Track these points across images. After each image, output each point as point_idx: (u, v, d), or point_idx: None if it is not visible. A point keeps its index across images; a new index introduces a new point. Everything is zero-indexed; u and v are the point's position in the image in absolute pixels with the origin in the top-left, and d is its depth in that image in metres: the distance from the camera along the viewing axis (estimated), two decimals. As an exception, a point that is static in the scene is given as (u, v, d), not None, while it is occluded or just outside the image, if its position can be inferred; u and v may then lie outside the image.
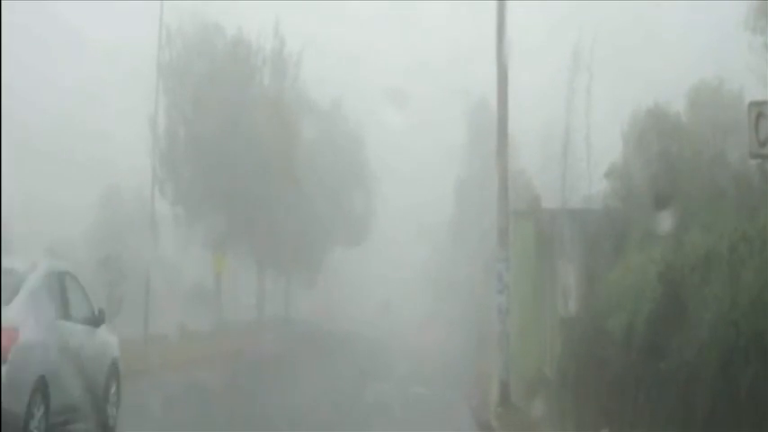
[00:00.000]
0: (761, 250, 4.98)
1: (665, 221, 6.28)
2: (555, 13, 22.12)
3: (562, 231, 8.90)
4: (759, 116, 5.80)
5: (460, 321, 25.29)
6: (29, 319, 6.05)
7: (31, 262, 6.54)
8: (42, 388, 5.92)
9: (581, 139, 9.24)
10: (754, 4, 9.70)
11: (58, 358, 6.26)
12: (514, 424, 8.50)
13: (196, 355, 15.97)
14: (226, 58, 23.63)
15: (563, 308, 8.56)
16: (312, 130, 25.68)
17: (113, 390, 7.30)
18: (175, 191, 23.21)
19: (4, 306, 5.90)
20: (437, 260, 36.33)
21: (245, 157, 22.53)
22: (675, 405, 5.30)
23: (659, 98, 9.05)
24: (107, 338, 7.46)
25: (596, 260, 7.46)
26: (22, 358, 5.78)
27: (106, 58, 27.17)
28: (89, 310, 7.20)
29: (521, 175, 13.72)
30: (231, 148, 22.45)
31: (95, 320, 7.15)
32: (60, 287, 6.58)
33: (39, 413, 5.88)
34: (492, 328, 10.48)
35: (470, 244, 25.05)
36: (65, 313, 6.61)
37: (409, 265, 39.04)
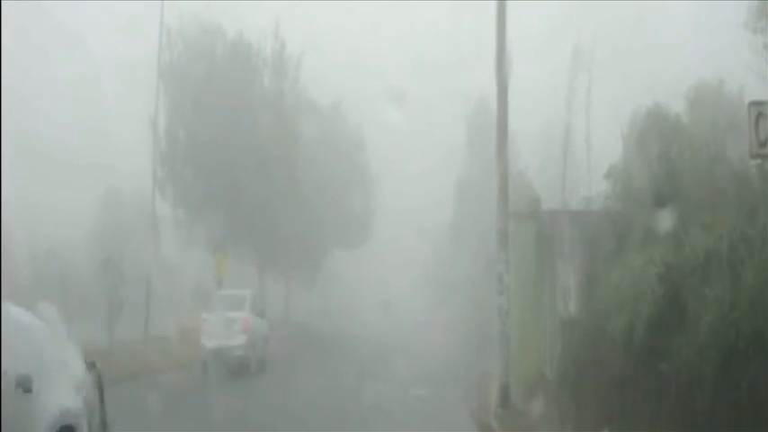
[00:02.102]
0: (761, 251, 4.96)
1: (665, 222, 6.26)
2: (555, 13, 22.03)
3: (562, 232, 8.88)
4: (759, 116, 5.78)
5: (460, 322, 25.24)
6: (249, 314, 15.47)
7: (245, 289, 16.09)
8: (256, 345, 15.24)
9: (581, 139, 9.21)
10: (754, 4, 9.67)
11: (256, 331, 15.42)
12: (515, 425, 8.48)
13: (195, 355, 15.93)
14: (226, 59, 23.57)
15: (563, 309, 8.53)
16: (312, 132, 25.61)
17: (266, 346, 15.97)
18: (176, 192, 23.15)
19: (238, 311, 15.10)
20: (437, 261, 36.25)
21: (246, 158, 22.47)
22: (675, 406, 5.28)
23: (659, 98, 9.03)
24: (265, 323, 16.51)
25: (596, 261, 7.43)
26: (249, 331, 15.07)
27: (106, 59, 27.11)
28: (261, 308, 16.57)
29: (520, 176, 13.67)
30: (231, 150, 22.39)
31: (262, 314, 16.23)
32: (253, 299, 16.05)
33: (255, 357, 15.06)
34: (492, 329, 10.46)
35: (470, 245, 24.98)
36: (255, 311, 15.94)
37: (409, 267, 38.93)
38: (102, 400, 4.35)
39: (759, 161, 6.03)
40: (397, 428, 8.65)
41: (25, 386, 3.65)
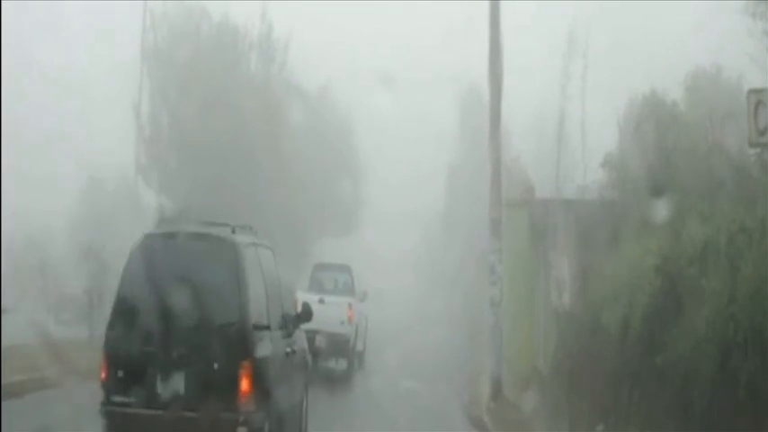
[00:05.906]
0: (760, 242, 4.86)
1: (662, 212, 6.16)
2: (550, -4, 21.44)
3: (556, 222, 8.75)
4: (758, 104, 5.64)
5: (451, 313, 25.13)
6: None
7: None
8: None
9: (576, 126, 9.07)
10: (754, -12, 9.45)
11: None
12: (507, 420, 8.38)
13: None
14: (211, 42, 23.09)
15: (557, 301, 8.42)
16: (300, 117, 25.22)
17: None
18: (160, 179, 22.76)
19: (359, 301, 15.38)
20: (428, 251, 36.12)
21: (232, 144, 22.05)
22: (672, 401, 5.20)
23: (656, 85, 8.90)
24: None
25: (591, 252, 7.32)
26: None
27: (88, 41, 26.48)
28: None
29: (514, 163, 13.47)
30: (217, 136, 21.98)
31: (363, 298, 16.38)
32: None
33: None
34: (484, 320, 10.33)
35: (462, 235, 24.84)
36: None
37: (399, 256, 38.77)
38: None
39: (758, 150, 5.90)
40: (386, 423, 8.50)
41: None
